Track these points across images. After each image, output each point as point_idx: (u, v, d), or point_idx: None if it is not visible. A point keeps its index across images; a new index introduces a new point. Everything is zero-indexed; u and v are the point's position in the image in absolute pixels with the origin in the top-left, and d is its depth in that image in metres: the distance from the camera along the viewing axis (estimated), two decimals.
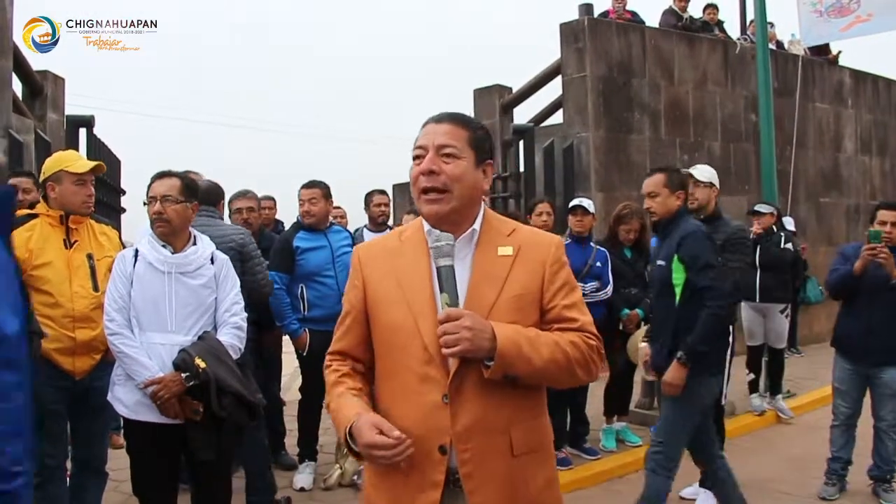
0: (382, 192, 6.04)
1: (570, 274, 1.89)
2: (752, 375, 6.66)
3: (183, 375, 2.91)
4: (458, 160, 1.79)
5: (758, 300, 6.37)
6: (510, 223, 1.94)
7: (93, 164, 3.39)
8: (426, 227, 1.84)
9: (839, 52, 11.23)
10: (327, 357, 1.94)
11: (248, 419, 3.11)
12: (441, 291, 1.73)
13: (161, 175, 3.17)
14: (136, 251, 3.12)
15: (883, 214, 4.39)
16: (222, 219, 4.36)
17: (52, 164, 3.39)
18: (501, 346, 1.67)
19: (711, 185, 4.44)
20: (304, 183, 4.86)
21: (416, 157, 1.83)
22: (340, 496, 4.54)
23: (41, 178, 3.44)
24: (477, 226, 1.85)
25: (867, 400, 4.60)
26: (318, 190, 4.77)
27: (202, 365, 2.91)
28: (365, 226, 5.94)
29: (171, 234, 3.12)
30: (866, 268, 4.29)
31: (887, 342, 4.32)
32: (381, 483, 1.82)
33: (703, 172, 4.48)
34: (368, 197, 5.95)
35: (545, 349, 1.74)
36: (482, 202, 1.90)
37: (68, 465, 3.50)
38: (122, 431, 3.34)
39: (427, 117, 1.88)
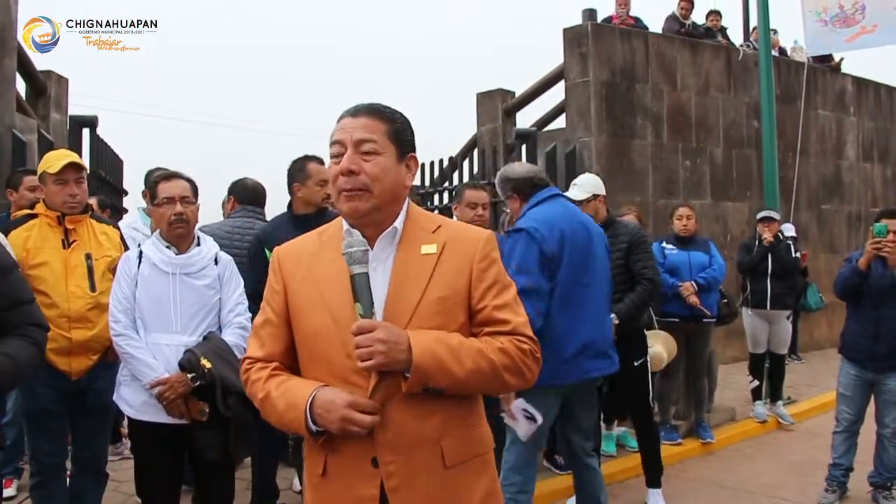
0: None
1: (501, 271, 1.75)
2: (755, 382, 6.65)
3: (189, 376, 2.92)
4: (378, 156, 1.67)
5: (769, 307, 6.36)
6: (437, 219, 1.81)
7: (65, 162, 3.30)
8: (346, 226, 1.72)
9: (842, 58, 11.24)
10: (245, 362, 1.81)
11: (253, 419, 3.11)
12: (355, 301, 1.60)
13: (170, 176, 3.16)
14: (141, 252, 3.12)
15: (886, 223, 4.39)
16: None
17: (39, 166, 3.42)
18: (418, 359, 1.57)
19: (594, 196, 4.47)
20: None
21: (333, 155, 1.70)
22: None
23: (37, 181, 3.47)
24: (398, 224, 1.73)
25: (870, 408, 4.59)
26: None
27: (207, 365, 2.91)
28: None
29: (188, 235, 3.13)
30: (870, 266, 4.30)
31: (894, 347, 4.32)
32: (320, 493, 1.72)
33: (583, 189, 4.47)
34: None
35: (468, 359, 1.62)
36: (406, 200, 1.78)
37: (68, 464, 3.50)
38: (126, 426, 3.34)
39: (343, 111, 1.75)
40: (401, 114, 1.78)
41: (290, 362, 1.76)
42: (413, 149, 1.77)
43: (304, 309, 1.72)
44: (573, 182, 4.67)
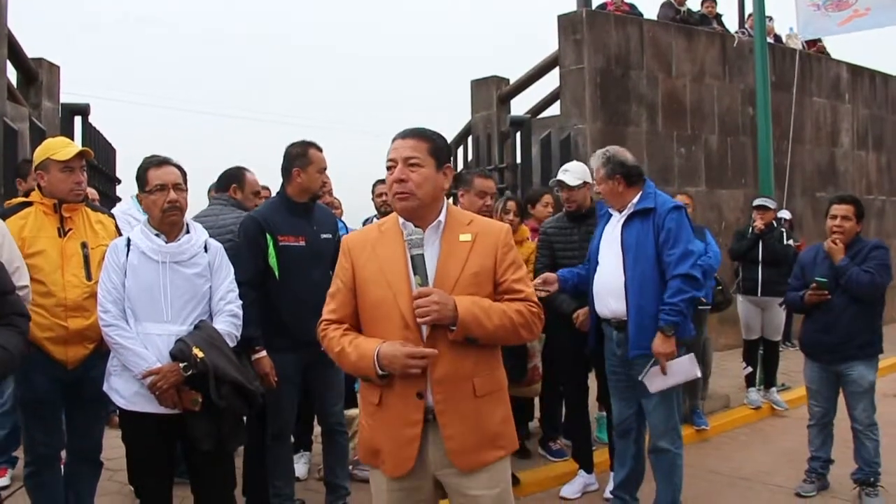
0: (383, 182, 6.05)
1: (517, 255, 2.38)
2: (749, 369, 6.68)
3: (181, 365, 2.89)
4: (421, 168, 2.25)
5: (759, 294, 6.39)
6: (468, 215, 2.43)
7: (77, 150, 3.32)
8: (401, 220, 2.31)
9: (819, 40, 11.14)
10: (321, 323, 2.39)
11: (248, 407, 3.10)
12: (415, 274, 2.20)
13: (161, 162, 3.11)
14: (129, 240, 3.09)
15: (835, 209, 4.59)
16: (236, 205, 4.23)
17: (39, 152, 3.36)
18: (461, 316, 2.16)
19: (584, 183, 4.52)
20: None
21: (388, 168, 2.29)
22: None
23: (33, 168, 3.41)
24: (442, 217, 2.32)
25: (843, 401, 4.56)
26: None
27: (200, 355, 2.88)
28: (374, 215, 5.90)
29: (181, 222, 3.10)
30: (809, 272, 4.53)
31: (846, 337, 4.35)
32: (376, 419, 2.30)
33: (575, 176, 4.52)
34: (374, 187, 5.97)
35: (495, 316, 2.23)
36: (444, 198, 2.36)
37: (63, 453, 3.49)
38: (118, 417, 3.32)
39: (395, 134, 2.33)
40: (439, 134, 2.37)
41: (354, 322, 2.36)
42: (448, 160, 2.36)
43: (369, 283, 2.30)
44: (563, 168, 4.68)
